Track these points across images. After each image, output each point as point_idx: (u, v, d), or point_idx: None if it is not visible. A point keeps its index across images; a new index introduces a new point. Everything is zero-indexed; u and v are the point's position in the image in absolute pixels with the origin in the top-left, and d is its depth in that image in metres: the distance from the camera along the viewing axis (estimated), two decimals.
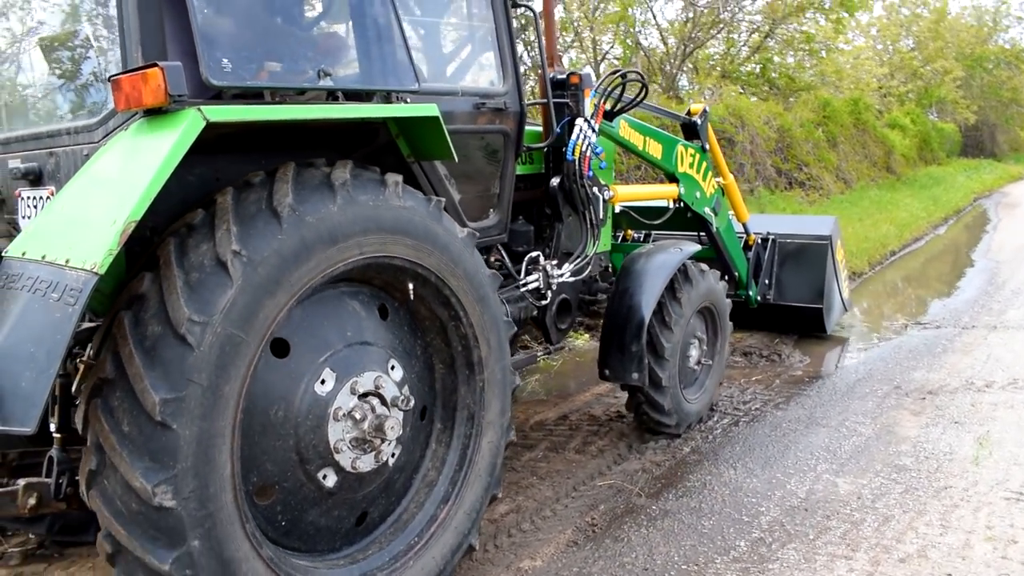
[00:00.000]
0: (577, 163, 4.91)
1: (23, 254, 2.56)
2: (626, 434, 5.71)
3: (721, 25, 18.75)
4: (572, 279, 5.09)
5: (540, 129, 5.02)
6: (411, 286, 3.42)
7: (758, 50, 21.21)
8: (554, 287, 4.94)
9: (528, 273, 4.82)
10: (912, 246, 14.12)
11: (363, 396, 3.26)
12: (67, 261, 2.44)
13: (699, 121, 6.56)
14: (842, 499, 4.61)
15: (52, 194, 3.15)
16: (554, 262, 4.98)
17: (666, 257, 5.40)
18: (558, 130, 4.99)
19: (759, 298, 7.48)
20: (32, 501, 2.89)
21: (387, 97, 3.61)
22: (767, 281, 7.56)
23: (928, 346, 7.80)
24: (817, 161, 18.10)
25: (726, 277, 6.63)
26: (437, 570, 3.55)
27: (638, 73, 5.38)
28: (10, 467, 3.28)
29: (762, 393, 6.55)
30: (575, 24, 18.36)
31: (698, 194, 6.41)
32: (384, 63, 3.71)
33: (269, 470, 3.08)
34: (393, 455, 3.46)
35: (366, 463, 3.29)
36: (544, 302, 4.94)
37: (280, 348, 3.09)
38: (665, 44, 20.38)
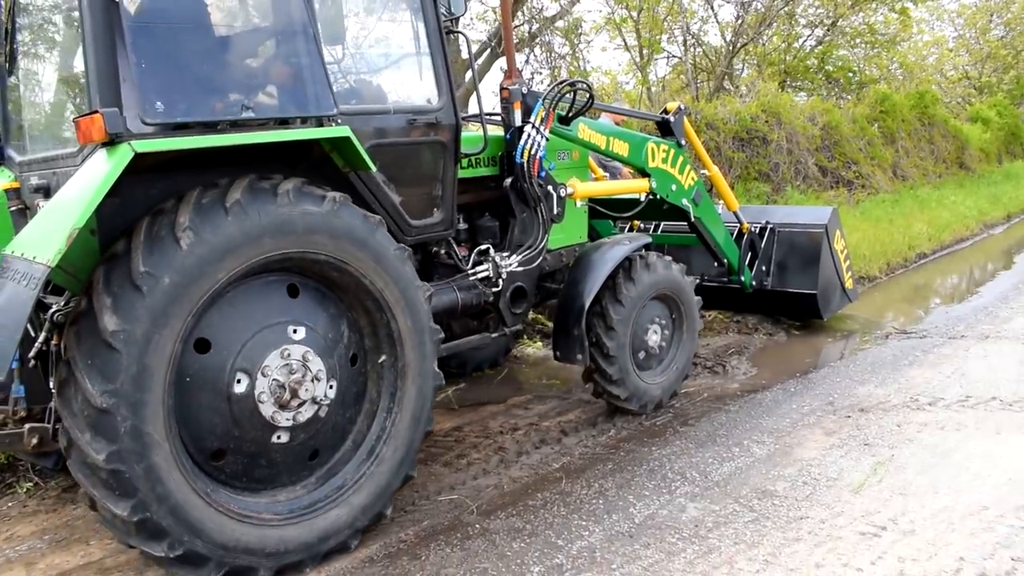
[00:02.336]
0: (526, 165, 5.40)
1: (12, 252, 3.35)
2: (505, 448, 5.46)
3: (770, 21, 17.92)
4: (520, 269, 5.53)
5: (494, 133, 5.58)
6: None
7: (820, 44, 20.26)
8: (504, 276, 5.43)
9: (478, 264, 5.36)
10: (954, 248, 13.10)
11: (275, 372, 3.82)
12: (34, 257, 3.22)
13: (672, 119, 6.85)
14: (678, 526, 4.25)
15: None
16: (505, 253, 5.48)
17: (613, 250, 5.76)
18: (507, 136, 5.54)
19: (755, 284, 7.67)
20: (35, 441, 3.83)
21: (319, 120, 4.11)
22: (764, 268, 7.78)
23: (896, 358, 7.18)
24: (869, 159, 17.07)
25: (716, 263, 7.38)
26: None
27: (584, 82, 5.76)
28: (21, 419, 4.07)
29: (678, 408, 6.16)
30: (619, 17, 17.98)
31: (674, 187, 6.67)
32: (304, 93, 4.17)
33: (207, 432, 3.75)
34: (322, 399, 3.98)
35: (303, 414, 3.91)
36: (496, 289, 5.43)
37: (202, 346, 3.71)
38: (723, 37, 19.69)
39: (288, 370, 3.85)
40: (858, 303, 8.95)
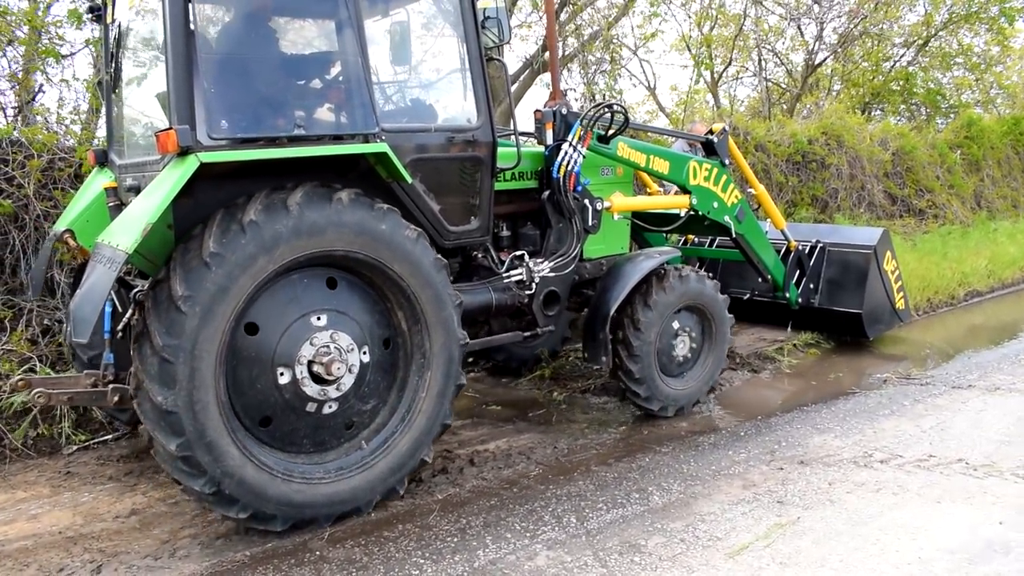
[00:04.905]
0: (562, 180, 5.84)
1: (103, 240, 4.04)
2: (424, 480, 5.19)
3: (844, 41, 16.98)
4: (553, 274, 5.93)
5: (536, 150, 6.13)
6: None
7: (910, 64, 19.08)
8: (537, 280, 5.82)
9: (512, 267, 5.77)
10: (1020, 287, 11.95)
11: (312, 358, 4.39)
12: (117, 245, 3.90)
13: (716, 139, 7.07)
14: (513, 575, 3.93)
15: None
16: (540, 260, 5.90)
17: (643, 262, 6.12)
18: (546, 153, 6.01)
19: (802, 301, 7.91)
20: (116, 398, 4.47)
21: (365, 137, 4.64)
22: (811, 286, 7.98)
23: (880, 406, 6.54)
24: (947, 187, 15.88)
25: (760, 279, 7.67)
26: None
27: (620, 105, 6.08)
28: (109, 382, 4.64)
29: (609, 444, 5.79)
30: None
31: (716, 204, 6.95)
32: (351, 112, 4.77)
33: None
34: (353, 369, 4.53)
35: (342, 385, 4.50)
36: (529, 292, 5.81)
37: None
38: (808, 58, 18.82)
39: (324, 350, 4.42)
40: (878, 344, 8.32)
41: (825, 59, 17.83)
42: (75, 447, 5.86)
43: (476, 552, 4.18)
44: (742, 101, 19.84)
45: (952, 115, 19.63)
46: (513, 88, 7.61)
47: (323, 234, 4.26)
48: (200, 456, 4.01)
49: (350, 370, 4.51)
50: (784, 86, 18.80)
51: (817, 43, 17.50)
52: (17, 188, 6.86)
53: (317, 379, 4.41)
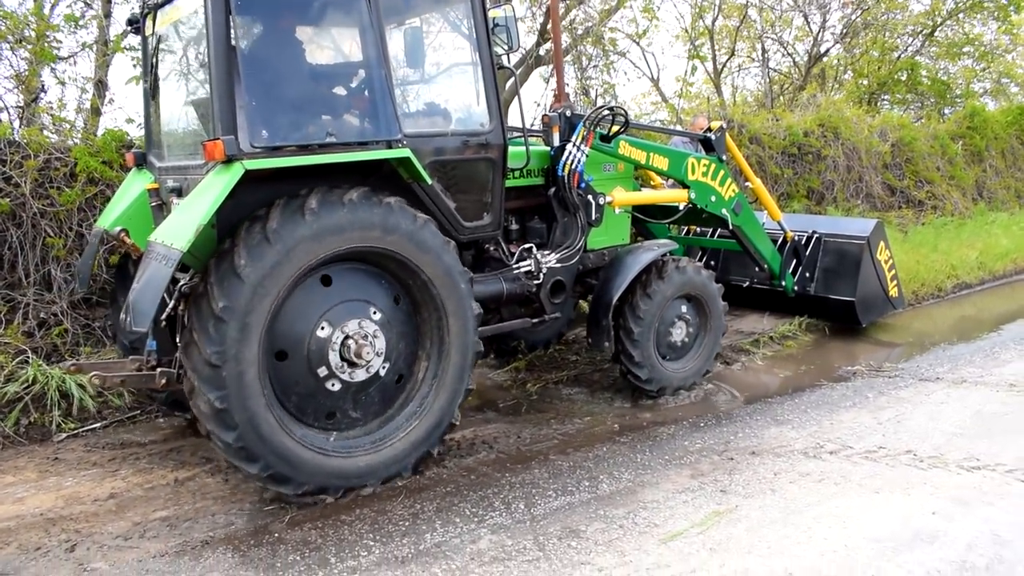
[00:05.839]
0: (566, 178, 6.25)
1: (155, 239, 4.43)
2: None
3: (846, 31, 16.95)
4: (559, 265, 6.36)
5: (543, 148, 6.53)
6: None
7: (917, 54, 19.00)
8: (544, 270, 6.23)
9: (521, 259, 6.18)
10: (1011, 279, 11.98)
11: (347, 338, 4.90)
12: (171, 244, 4.26)
13: (714, 136, 7.45)
14: (453, 557, 4.19)
15: None
16: (547, 252, 6.32)
17: (643, 254, 6.58)
18: (552, 152, 6.43)
19: (798, 289, 8.36)
20: (163, 381, 4.87)
21: (388, 143, 5.03)
22: (808, 274, 8.42)
23: (843, 398, 6.71)
24: (947, 178, 15.86)
25: (757, 268, 8.10)
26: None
27: (620, 108, 6.52)
28: (153, 367, 5.08)
29: (571, 432, 6.01)
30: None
31: (713, 198, 7.32)
32: (376, 120, 5.16)
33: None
34: (382, 354, 5.04)
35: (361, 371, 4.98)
36: (537, 282, 6.23)
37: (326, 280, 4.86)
38: (813, 48, 18.82)
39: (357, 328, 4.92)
40: (854, 335, 8.50)
41: (828, 49, 17.84)
42: (64, 435, 6.18)
43: (424, 535, 4.44)
44: (750, 91, 19.85)
45: (961, 105, 19.53)
46: (513, 82, 7.89)
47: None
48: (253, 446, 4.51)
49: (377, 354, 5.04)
50: (788, 76, 18.80)
51: (821, 33, 17.49)
52: (15, 187, 7.17)
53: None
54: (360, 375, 4.97)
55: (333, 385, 4.90)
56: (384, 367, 5.07)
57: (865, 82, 19.42)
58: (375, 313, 5.03)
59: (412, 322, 5.27)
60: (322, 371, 4.84)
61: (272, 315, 4.54)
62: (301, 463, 4.68)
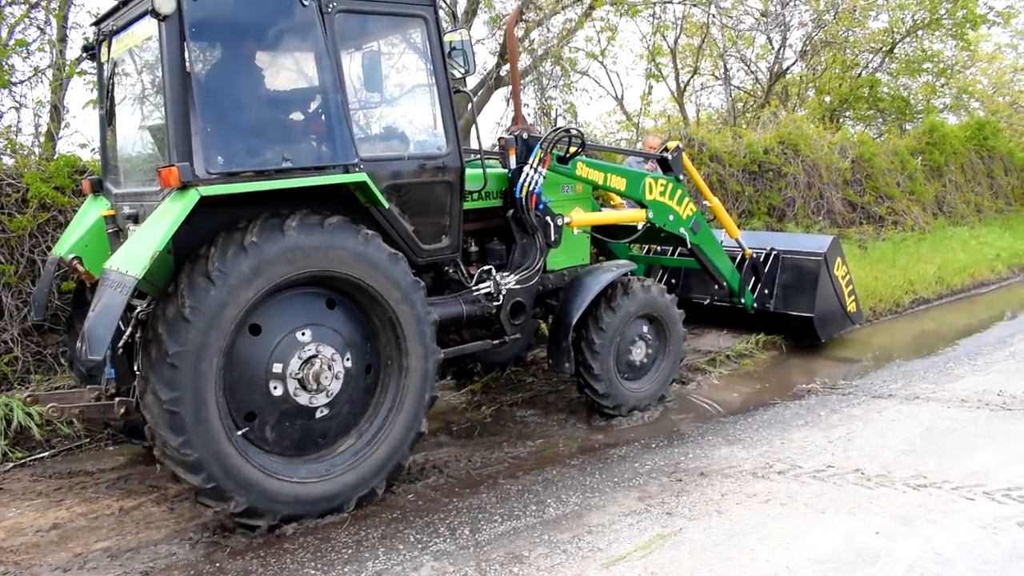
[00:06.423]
0: (524, 199, 6.32)
1: (110, 266, 4.38)
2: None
3: (806, 49, 17.21)
4: (519, 286, 6.39)
5: (501, 171, 6.58)
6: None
7: (877, 71, 19.31)
8: (503, 292, 6.27)
9: (481, 281, 6.25)
10: (969, 293, 12.16)
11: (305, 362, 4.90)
12: (126, 271, 4.24)
13: (671, 156, 7.56)
14: None
15: None
16: (506, 273, 6.35)
17: (601, 275, 6.63)
18: (509, 175, 6.47)
19: (757, 306, 8.44)
20: (122, 410, 4.83)
21: (345, 168, 5.04)
22: (767, 291, 8.50)
23: (794, 416, 6.76)
24: (907, 194, 16.10)
25: (716, 286, 8.20)
26: None
27: (576, 129, 6.56)
28: (111, 395, 5.01)
29: (522, 457, 6.01)
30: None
31: (671, 217, 7.43)
32: (332, 145, 5.14)
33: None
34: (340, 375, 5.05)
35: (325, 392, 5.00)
36: (497, 303, 6.27)
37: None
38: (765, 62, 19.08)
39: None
40: (813, 352, 8.58)
41: (789, 67, 18.08)
42: (11, 464, 6.08)
43: (367, 563, 4.40)
44: (715, 109, 20.06)
45: (921, 120, 19.87)
46: (470, 106, 7.96)
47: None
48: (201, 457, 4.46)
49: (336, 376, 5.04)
50: (752, 93, 19.03)
51: (783, 50, 17.74)
52: None
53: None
54: (320, 399, 4.98)
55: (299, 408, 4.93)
56: (338, 391, 5.06)
57: (828, 99, 19.70)
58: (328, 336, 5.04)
59: (369, 346, 5.26)
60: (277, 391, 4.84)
61: (225, 354, 4.54)
62: (275, 494, 4.71)
